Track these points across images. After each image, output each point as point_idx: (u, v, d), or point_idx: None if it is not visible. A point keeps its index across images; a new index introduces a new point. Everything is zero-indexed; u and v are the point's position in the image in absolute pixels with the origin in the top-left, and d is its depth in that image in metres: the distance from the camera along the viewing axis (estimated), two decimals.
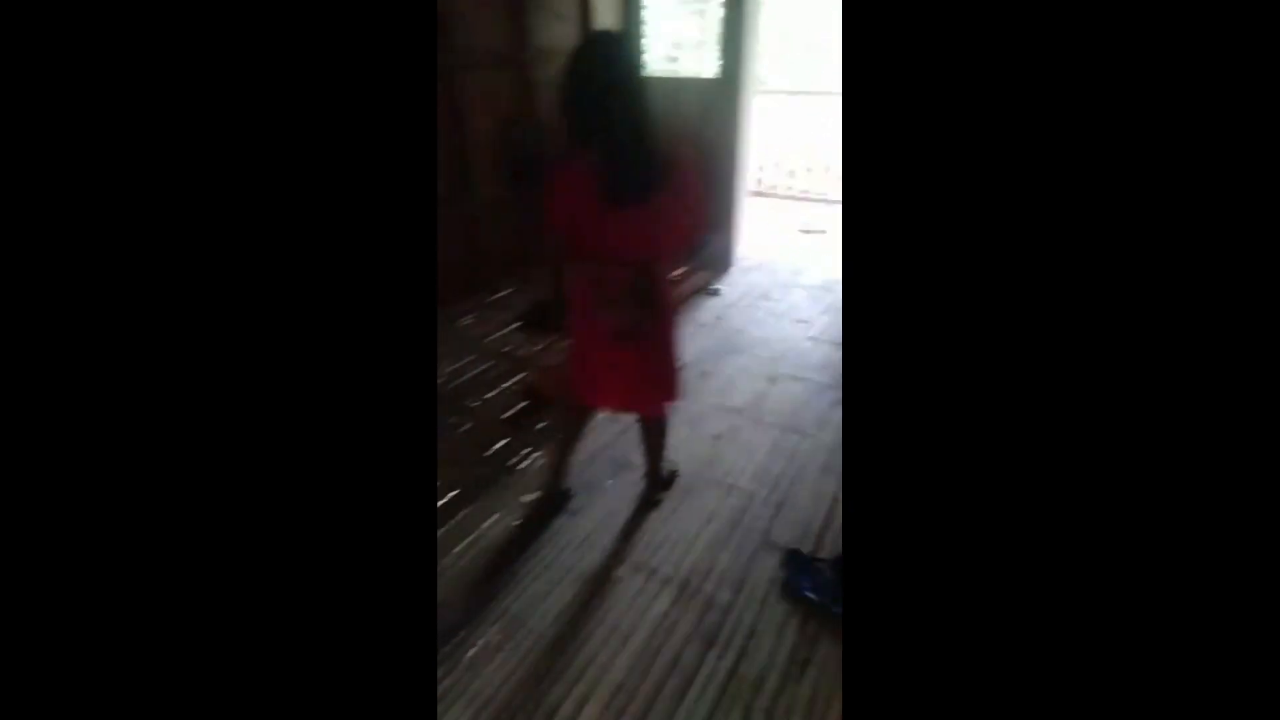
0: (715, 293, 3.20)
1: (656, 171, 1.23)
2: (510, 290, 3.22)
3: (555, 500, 1.78)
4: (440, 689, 1.31)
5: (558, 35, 3.16)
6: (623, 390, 1.55)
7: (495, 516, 1.77)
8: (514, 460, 2.00)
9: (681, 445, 2.00)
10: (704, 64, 3.30)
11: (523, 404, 2.26)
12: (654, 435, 1.71)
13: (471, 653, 1.39)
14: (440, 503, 1.82)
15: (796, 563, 1.55)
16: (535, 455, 2.02)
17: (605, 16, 3.47)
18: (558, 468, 1.76)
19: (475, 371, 2.50)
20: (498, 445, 2.06)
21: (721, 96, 3.14)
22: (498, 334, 2.81)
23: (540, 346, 2.69)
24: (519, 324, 2.88)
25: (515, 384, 2.40)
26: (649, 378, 1.50)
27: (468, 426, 2.17)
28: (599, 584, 1.55)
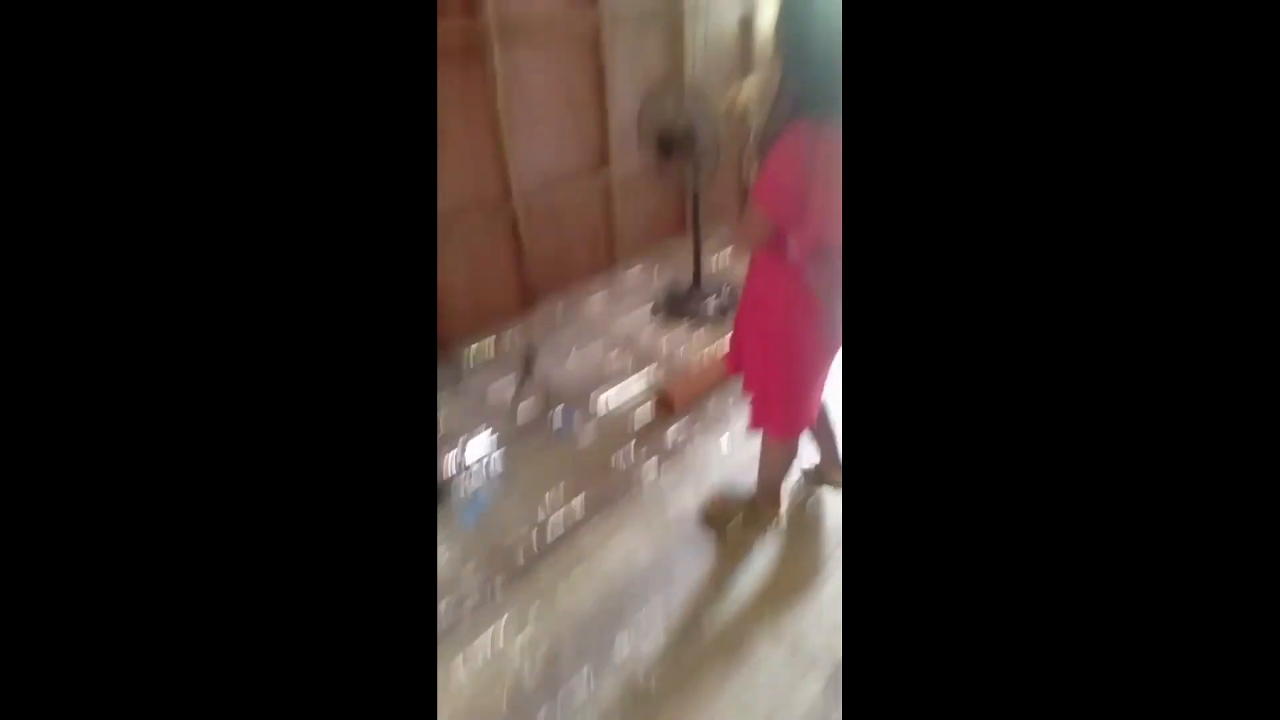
0: None
1: None
2: (641, 267, 3.00)
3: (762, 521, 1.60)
4: None
5: None
6: None
7: (618, 536, 1.59)
8: (639, 472, 1.80)
9: None
10: None
11: (653, 404, 2.06)
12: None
13: (581, 700, 1.22)
14: (559, 510, 1.67)
15: None
16: (661, 468, 1.81)
17: None
18: (772, 491, 1.57)
19: (602, 361, 2.33)
20: (623, 452, 1.88)
21: None
22: (628, 317, 2.62)
23: (672, 334, 2.47)
24: (651, 308, 2.67)
25: (644, 377, 2.20)
26: None
27: (591, 423, 2.00)
28: (732, 648, 1.32)
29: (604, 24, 2.42)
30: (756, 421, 1.39)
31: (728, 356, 1.49)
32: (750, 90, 1.13)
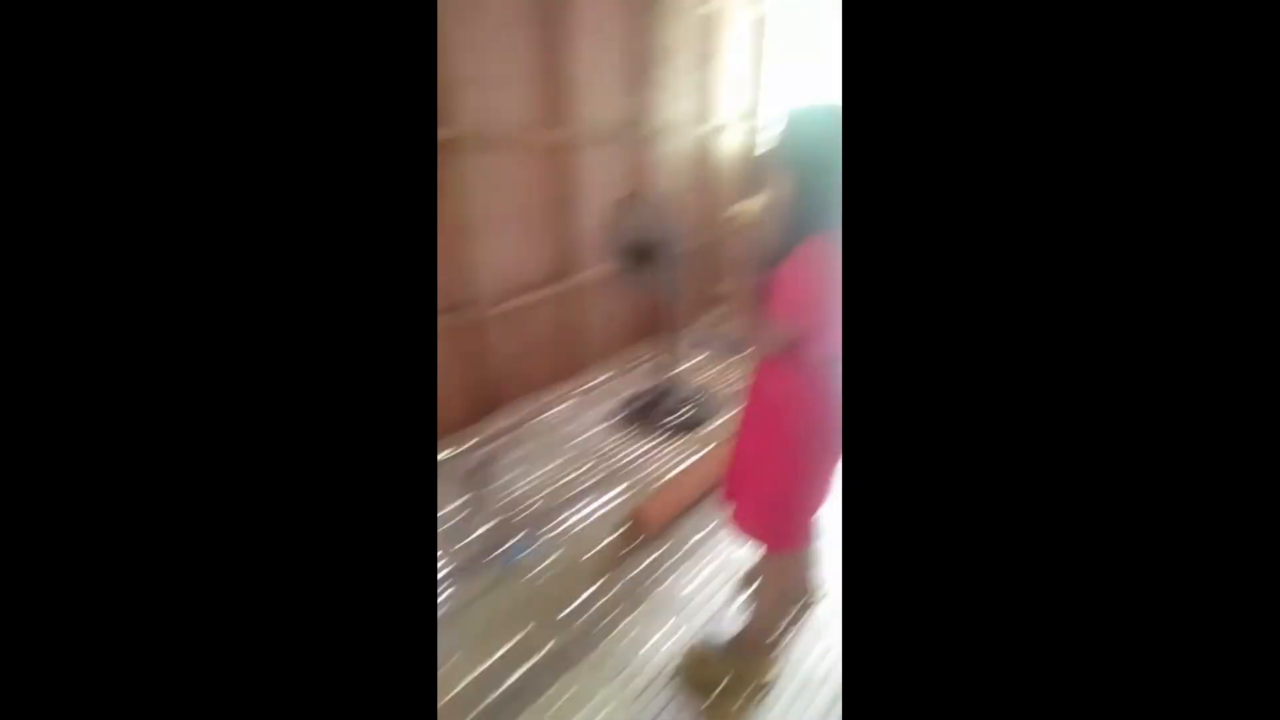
0: None
1: None
2: (610, 375, 2.87)
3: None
4: None
5: (677, 112, 2.92)
6: None
7: (584, 707, 1.31)
8: (608, 617, 1.55)
9: None
10: None
11: (623, 529, 1.84)
12: None
13: None
14: (513, 675, 1.39)
15: None
16: (634, 612, 1.56)
17: (727, 96, 3.22)
18: (765, 639, 1.38)
19: (565, 479, 2.12)
20: (588, 593, 1.63)
21: None
22: (595, 429, 2.44)
23: (642, 447, 2.29)
24: (622, 416, 2.51)
25: (613, 496, 1.99)
26: None
27: (553, 559, 1.76)
28: None
29: (573, 137, 2.44)
30: (764, 536, 1.24)
31: (726, 479, 1.32)
32: (756, 207, 1.13)
